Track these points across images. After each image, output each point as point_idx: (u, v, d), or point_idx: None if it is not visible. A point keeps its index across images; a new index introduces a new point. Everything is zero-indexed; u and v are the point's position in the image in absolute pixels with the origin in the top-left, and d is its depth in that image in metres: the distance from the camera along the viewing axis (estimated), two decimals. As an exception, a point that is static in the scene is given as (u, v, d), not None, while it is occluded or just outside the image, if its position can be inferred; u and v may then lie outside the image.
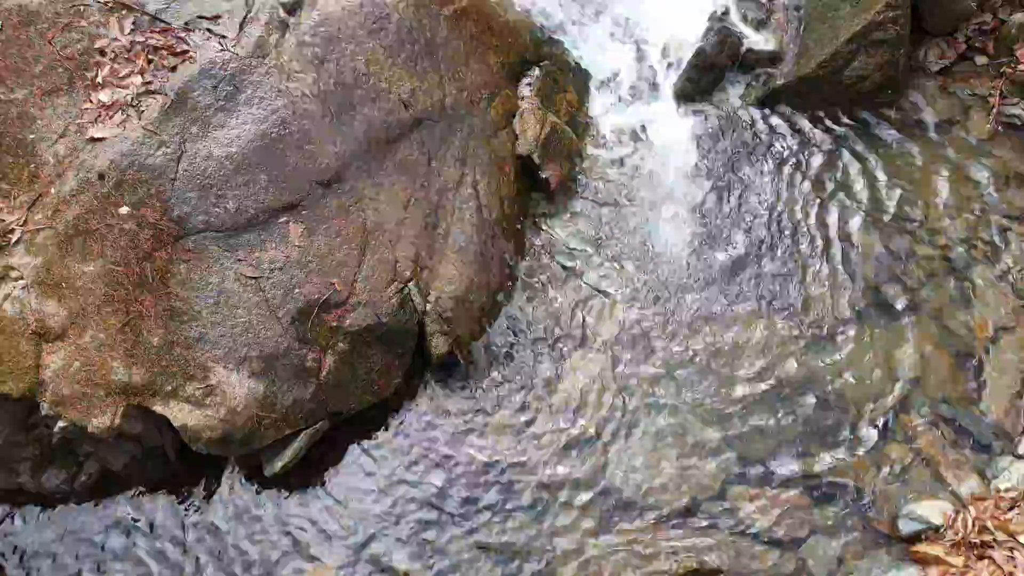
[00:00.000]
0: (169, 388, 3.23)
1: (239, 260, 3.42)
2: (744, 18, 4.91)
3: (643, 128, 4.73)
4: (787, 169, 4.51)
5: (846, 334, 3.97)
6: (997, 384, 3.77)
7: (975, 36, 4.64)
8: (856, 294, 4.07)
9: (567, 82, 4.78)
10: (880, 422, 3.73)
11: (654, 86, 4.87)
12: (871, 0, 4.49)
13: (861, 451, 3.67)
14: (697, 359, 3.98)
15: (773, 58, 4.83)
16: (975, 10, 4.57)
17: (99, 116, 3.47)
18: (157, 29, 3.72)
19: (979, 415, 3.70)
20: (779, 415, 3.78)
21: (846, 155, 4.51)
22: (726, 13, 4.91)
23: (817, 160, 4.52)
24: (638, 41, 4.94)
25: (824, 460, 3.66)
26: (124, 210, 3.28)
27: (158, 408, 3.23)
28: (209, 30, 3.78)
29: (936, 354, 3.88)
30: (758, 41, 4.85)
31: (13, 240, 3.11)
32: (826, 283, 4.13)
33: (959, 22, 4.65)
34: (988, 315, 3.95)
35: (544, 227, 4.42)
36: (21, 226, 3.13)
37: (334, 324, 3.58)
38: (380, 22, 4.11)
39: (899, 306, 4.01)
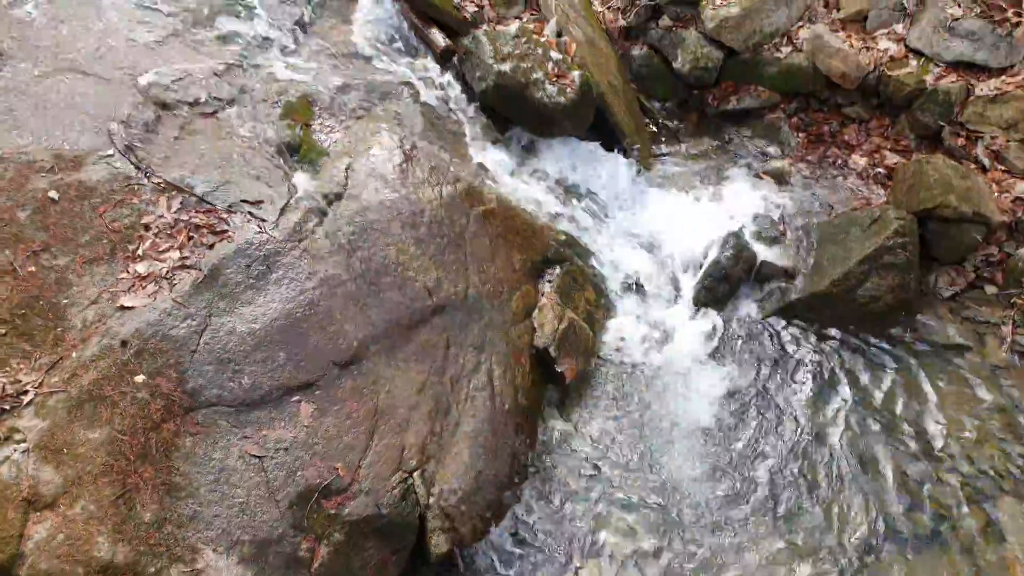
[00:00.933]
0: (152, 570, 3.08)
1: (246, 437, 3.42)
2: (758, 234, 5.24)
3: (659, 332, 4.89)
4: (803, 386, 4.58)
5: (871, 566, 3.80)
6: (1039, 635, 3.54)
7: (983, 267, 4.90)
8: (880, 522, 3.94)
9: (586, 282, 5.01)
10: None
11: (672, 292, 5.10)
12: (881, 225, 4.80)
13: None
14: (714, 588, 3.80)
15: (787, 273, 5.08)
16: (980, 242, 4.86)
17: (133, 286, 3.65)
18: (202, 210, 4.01)
19: (1023, 670, 3.44)
20: (803, 653, 3.53)
21: (862, 375, 4.59)
22: (742, 228, 5.25)
23: (833, 379, 4.59)
24: (657, 248, 5.26)
25: None
26: (140, 378, 3.34)
27: (135, 593, 3.07)
28: (251, 213, 4.07)
29: (970, 594, 3.69)
30: (772, 256, 5.13)
31: (25, 402, 3.14)
32: (848, 510, 4.02)
33: (967, 252, 4.92)
34: (1021, 553, 3.80)
35: (557, 423, 4.43)
36: (36, 388, 3.19)
37: (333, 512, 3.49)
38: (414, 217, 4.42)
39: (926, 537, 3.87)
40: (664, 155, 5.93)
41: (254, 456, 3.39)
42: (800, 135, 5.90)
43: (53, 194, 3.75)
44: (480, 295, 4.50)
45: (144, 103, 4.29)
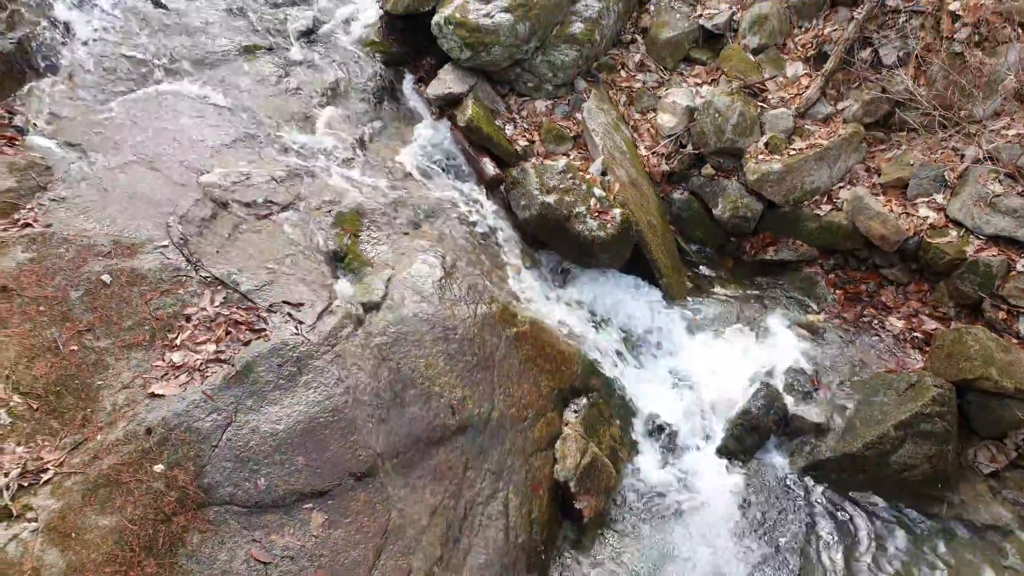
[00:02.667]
0: (135, 675, 3.02)
1: (254, 540, 3.41)
2: (791, 386, 5.26)
3: (683, 478, 4.84)
4: (829, 552, 4.45)
5: None
6: None
7: (1024, 445, 4.85)
8: None
9: (613, 416, 5.04)
10: None
11: (699, 436, 5.08)
12: (918, 392, 4.81)
13: None
14: None
15: (818, 429, 5.05)
16: (1023, 420, 4.82)
17: (166, 374, 3.78)
18: (243, 306, 4.19)
19: None
20: None
21: (892, 549, 4.45)
22: (774, 378, 5.29)
23: (861, 547, 4.46)
24: (687, 390, 5.29)
25: None
26: (159, 468, 3.40)
27: None
28: (290, 314, 4.24)
29: None
30: (804, 410, 5.13)
31: (43, 480, 3.21)
32: None
33: (1008, 428, 4.86)
34: None
35: (570, 562, 4.32)
36: (56, 467, 3.26)
37: (329, 632, 3.41)
38: (447, 333, 4.56)
39: None
40: (699, 297, 6.08)
41: (259, 562, 3.37)
42: (837, 292, 6.03)
43: (106, 278, 3.97)
44: (504, 418, 4.54)
45: (203, 200, 4.60)
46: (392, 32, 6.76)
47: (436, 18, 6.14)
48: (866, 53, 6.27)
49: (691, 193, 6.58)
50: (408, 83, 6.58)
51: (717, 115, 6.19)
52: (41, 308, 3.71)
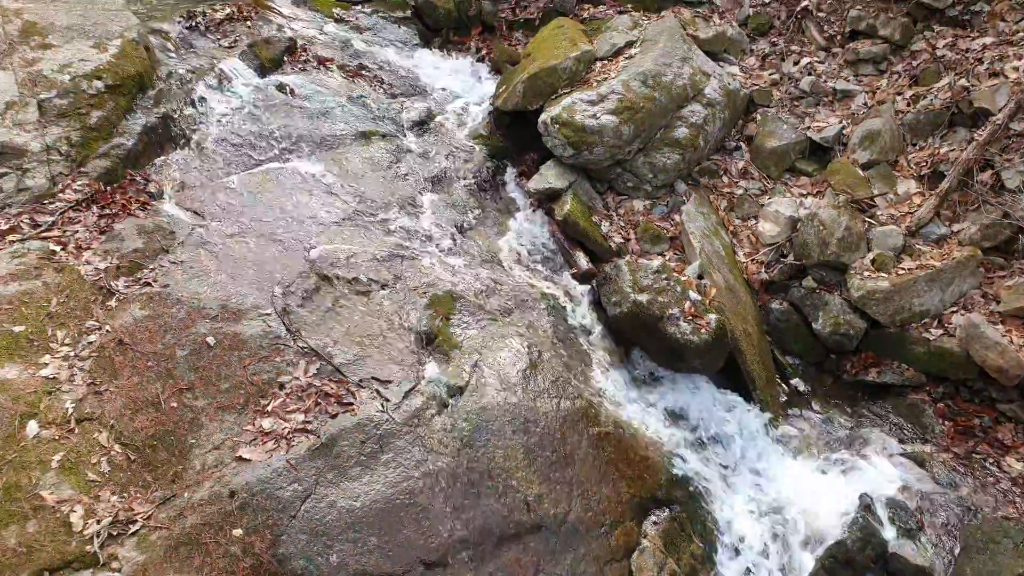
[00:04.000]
0: None
1: (319, 620, 3.45)
2: (891, 521, 4.96)
3: (771, 609, 4.61)
4: None
5: None
6: None
7: None
8: None
9: (695, 532, 4.86)
10: None
11: (787, 565, 4.82)
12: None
13: None
14: None
15: (922, 573, 4.72)
16: None
17: (254, 439, 3.95)
18: (335, 379, 4.37)
19: None
20: None
21: None
22: (872, 510, 5.01)
23: None
24: (777, 513, 5.07)
25: None
26: (238, 532, 3.52)
27: None
28: (378, 391, 4.38)
29: None
30: (906, 550, 4.79)
31: (131, 531, 3.38)
32: None
33: None
34: None
35: None
36: (144, 520, 3.43)
37: None
38: (527, 425, 4.59)
39: None
40: (794, 413, 5.89)
41: (323, 643, 3.39)
42: (946, 423, 5.73)
43: (211, 340, 4.24)
44: (580, 522, 4.47)
45: (308, 273, 4.88)
46: (499, 127, 7.14)
47: (543, 116, 6.46)
48: (986, 175, 6.16)
49: (790, 304, 6.49)
50: (510, 175, 6.88)
51: (822, 227, 6.17)
52: (150, 363, 3.99)
